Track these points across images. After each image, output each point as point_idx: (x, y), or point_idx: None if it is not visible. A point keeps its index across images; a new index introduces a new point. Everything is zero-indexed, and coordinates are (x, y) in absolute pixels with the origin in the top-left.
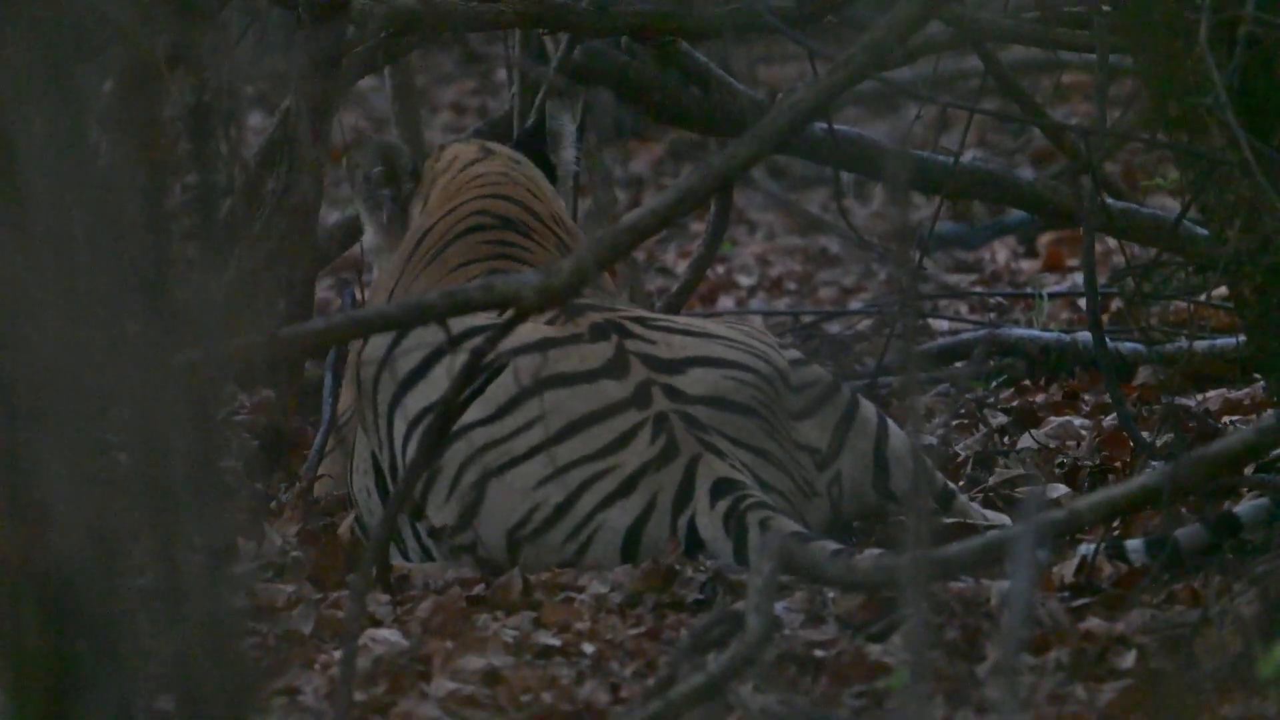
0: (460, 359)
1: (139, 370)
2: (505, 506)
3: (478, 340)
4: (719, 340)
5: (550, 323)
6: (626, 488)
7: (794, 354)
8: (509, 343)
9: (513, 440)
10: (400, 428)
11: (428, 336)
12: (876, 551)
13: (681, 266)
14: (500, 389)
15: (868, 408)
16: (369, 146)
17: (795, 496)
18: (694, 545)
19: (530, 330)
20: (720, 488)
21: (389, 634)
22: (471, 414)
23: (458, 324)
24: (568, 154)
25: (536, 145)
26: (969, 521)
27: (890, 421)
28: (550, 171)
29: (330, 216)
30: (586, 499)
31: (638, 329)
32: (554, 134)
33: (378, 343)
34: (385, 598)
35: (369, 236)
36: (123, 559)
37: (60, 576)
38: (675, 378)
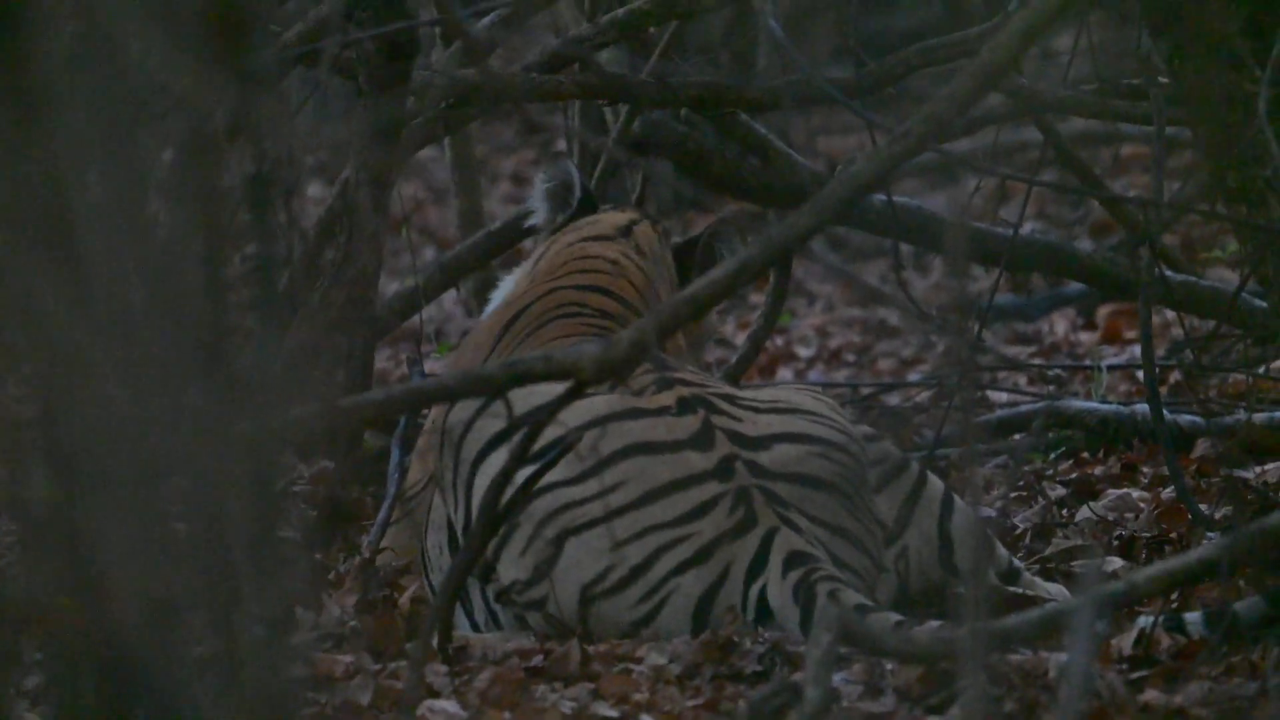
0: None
1: (198, 440)
2: (581, 564)
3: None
4: (804, 415)
5: (640, 393)
6: (703, 555)
7: (865, 429)
8: (599, 410)
9: (594, 502)
10: (480, 489)
11: (518, 401)
12: (936, 624)
13: (740, 338)
14: (586, 452)
15: (935, 484)
16: (558, 165)
17: (870, 574)
18: (764, 615)
19: (618, 400)
20: (794, 560)
21: (447, 705)
22: (556, 474)
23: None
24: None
25: (688, 255)
26: (1027, 593)
27: (956, 497)
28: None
29: (390, 287)
30: (662, 563)
31: (724, 405)
32: (705, 258)
33: (466, 405)
34: (443, 668)
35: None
36: (181, 628)
37: (118, 645)
38: (759, 453)
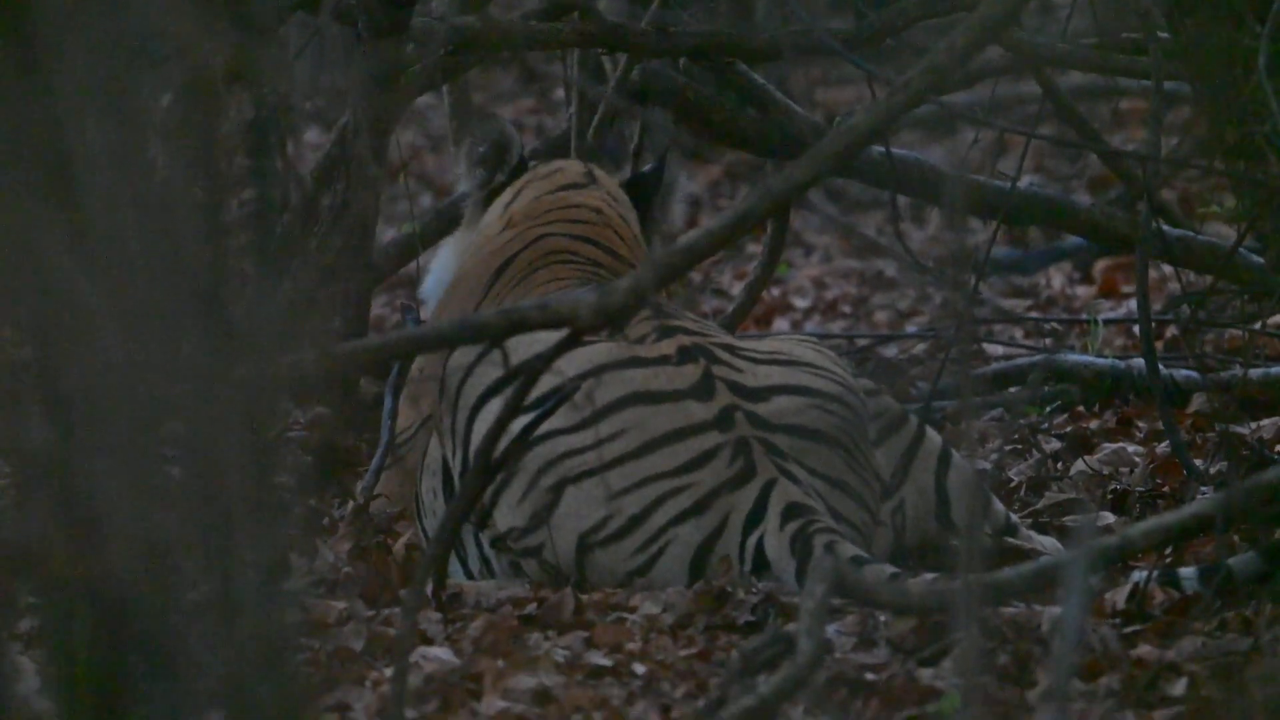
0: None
1: (194, 385)
2: (579, 513)
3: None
4: (805, 368)
5: (639, 342)
6: (701, 505)
7: (866, 383)
8: (599, 358)
9: (593, 451)
10: (479, 435)
11: (519, 348)
12: (930, 576)
13: (737, 288)
14: (583, 400)
15: (933, 438)
16: (490, 124)
17: (868, 528)
18: (760, 565)
19: (618, 349)
20: (792, 511)
21: (440, 652)
22: (554, 422)
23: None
24: (673, 210)
25: (644, 190)
26: (1023, 546)
27: (954, 452)
28: (645, 216)
29: (387, 233)
30: (660, 513)
31: (725, 355)
32: (668, 186)
33: (466, 351)
34: (437, 615)
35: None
36: (175, 573)
37: (113, 590)
38: (759, 405)
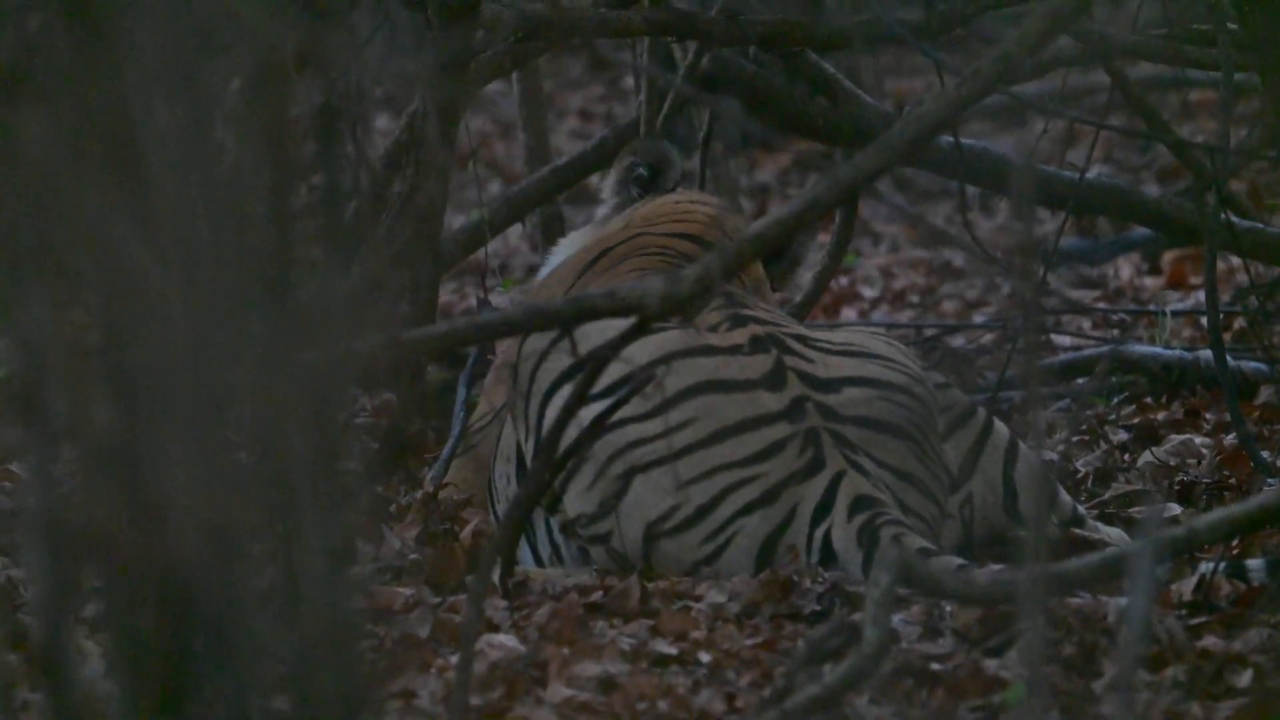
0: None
1: (261, 369)
2: (648, 501)
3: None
4: (876, 360)
5: (713, 330)
6: (769, 496)
7: (935, 376)
8: (671, 346)
9: (662, 439)
10: (551, 419)
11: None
12: (996, 567)
13: (806, 277)
14: (653, 388)
15: (1001, 431)
16: (656, 146)
17: (936, 521)
18: (827, 556)
19: (690, 336)
20: (860, 504)
21: (506, 639)
22: (625, 409)
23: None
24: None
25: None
26: (1090, 537)
27: (1021, 444)
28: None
29: (455, 220)
30: (729, 503)
31: (797, 345)
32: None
33: (541, 336)
34: (502, 603)
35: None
36: (241, 558)
37: (179, 574)
38: (830, 396)
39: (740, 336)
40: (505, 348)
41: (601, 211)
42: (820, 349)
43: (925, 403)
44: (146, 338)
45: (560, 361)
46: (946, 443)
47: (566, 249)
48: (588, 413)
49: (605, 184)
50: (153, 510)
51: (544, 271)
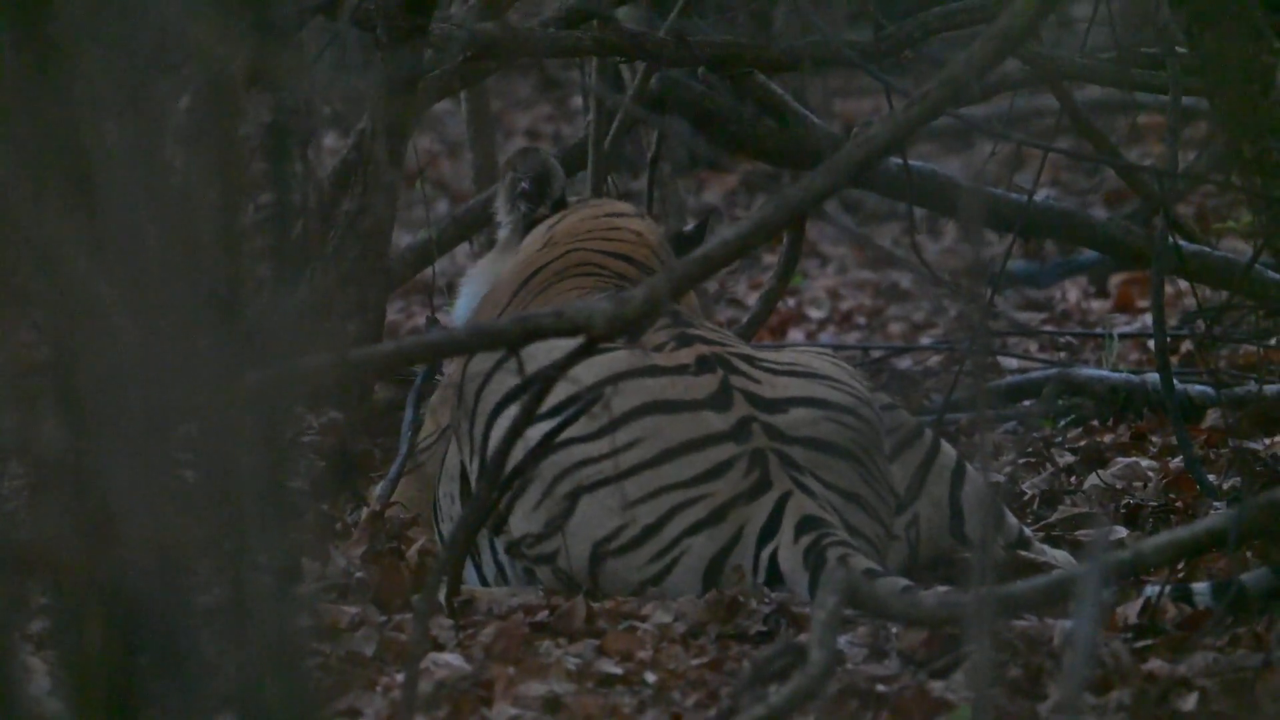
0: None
1: (209, 387)
2: (594, 521)
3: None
4: (823, 381)
5: (659, 349)
6: (716, 516)
7: (882, 397)
8: (617, 366)
9: (609, 459)
10: (495, 440)
11: (538, 356)
12: (942, 589)
13: (752, 298)
14: (600, 408)
15: (948, 452)
16: (533, 158)
17: (882, 542)
18: (773, 577)
19: (636, 357)
20: (806, 524)
21: (451, 658)
22: (571, 429)
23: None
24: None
25: (684, 248)
26: (1035, 559)
27: (968, 466)
28: None
29: (403, 239)
30: (675, 523)
31: (743, 365)
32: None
33: (485, 357)
34: (448, 622)
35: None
36: (188, 576)
37: (126, 591)
38: (776, 416)
39: (686, 356)
40: (454, 367)
41: (502, 233)
42: (766, 369)
43: (871, 424)
44: (95, 355)
45: (505, 382)
46: (893, 464)
47: (479, 276)
48: (534, 432)
49: (496, 205)
50: (100, 527)
51: (461, 304)
